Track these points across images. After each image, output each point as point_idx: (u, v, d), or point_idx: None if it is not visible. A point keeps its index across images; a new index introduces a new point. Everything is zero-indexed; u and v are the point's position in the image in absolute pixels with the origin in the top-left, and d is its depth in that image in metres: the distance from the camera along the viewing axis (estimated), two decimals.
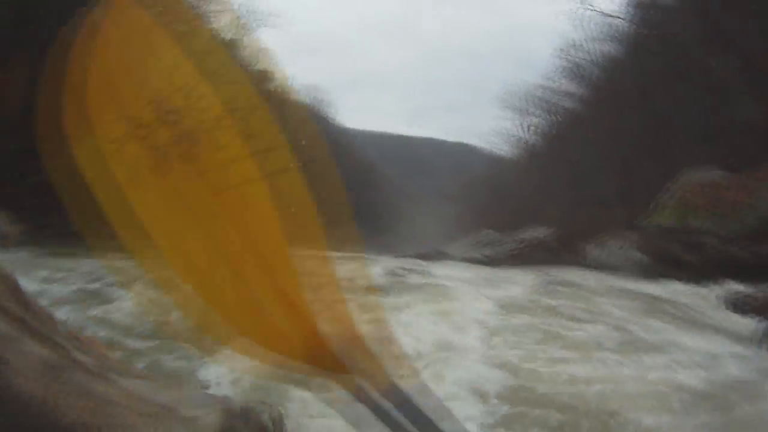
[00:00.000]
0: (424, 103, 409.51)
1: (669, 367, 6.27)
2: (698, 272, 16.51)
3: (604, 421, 4.88)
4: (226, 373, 4.96)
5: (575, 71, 46.83)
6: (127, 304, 7.03)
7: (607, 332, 7.92)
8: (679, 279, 15.64)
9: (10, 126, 21.49)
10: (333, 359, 1.06)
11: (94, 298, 8.17)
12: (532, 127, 57.82)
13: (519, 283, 14.29)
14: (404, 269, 16.36)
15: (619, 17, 39.13)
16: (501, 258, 28.30)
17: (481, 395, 5.26)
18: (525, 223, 39.29)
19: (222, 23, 39.39)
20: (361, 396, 1.04)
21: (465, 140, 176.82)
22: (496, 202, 62.83)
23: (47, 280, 9.27)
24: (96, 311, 7.57)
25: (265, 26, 54.37)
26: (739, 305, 11.53)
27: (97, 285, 8.59)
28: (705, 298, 12.70)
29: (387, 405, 1.02)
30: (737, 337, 8.35)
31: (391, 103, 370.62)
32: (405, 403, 1.03)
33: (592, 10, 38.56)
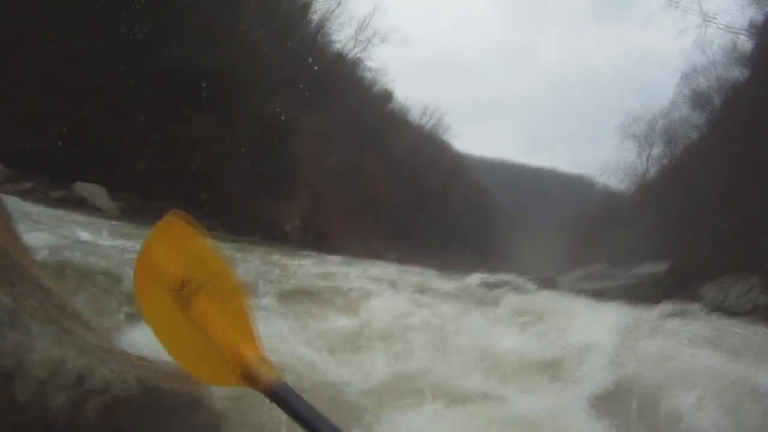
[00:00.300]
0: (543, 132, 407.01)
1: None
2: None
3: None
4: None
5: (698, 99, 46.02)
6: None
7: None
8: None
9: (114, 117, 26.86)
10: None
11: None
12: (652, 159, 59.11)
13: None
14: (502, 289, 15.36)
15: (742, 32, 38.47)
16: (610, 293, 26.40)
17: None
18: (638, 259, 40.91)
19: (345, 40, 43.18)
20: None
21: (583, 172, 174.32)
22: (609, 235, 61.98)
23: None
24: None
25: (388, 45, 57.96)
26: None
27: None
28: None
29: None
30: None
31: (511, 131, 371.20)
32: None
33: (715, 24, 38.65)
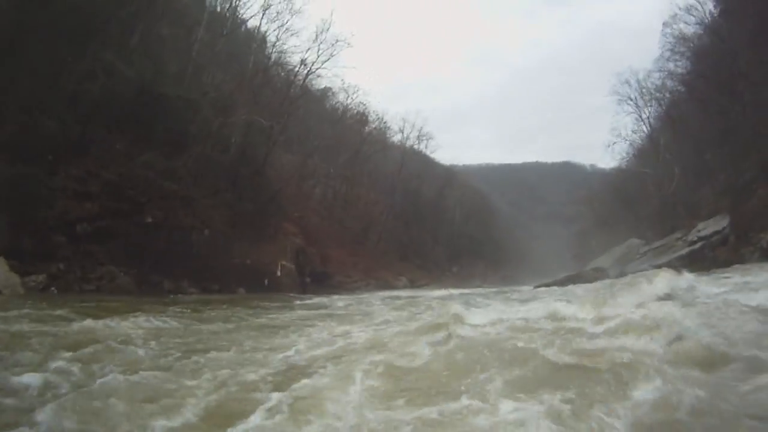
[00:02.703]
0: (520, 127, 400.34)
1: None
2: None
3: None
4: None
5: (684, 44, 42.47)
6: None
7: None
8: None
9: None
10: None
11: None
12: (651, 118, 52.48)
13: None
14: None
15: None
16: (677, 264, 23.23)
17: None
18: (669, 226, 37.85)
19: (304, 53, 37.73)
20: None
21: (567, 158, 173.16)
22: (623, 211, 57.58)
23: None
24: None
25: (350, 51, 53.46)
26: None
27: None
28: None
29: None
30: None
31: (488, 133, 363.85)
32: None
33: None
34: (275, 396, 4.86)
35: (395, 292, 34.44)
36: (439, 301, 18.66)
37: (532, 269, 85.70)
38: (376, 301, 21.37)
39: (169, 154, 23.73)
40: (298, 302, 20.54)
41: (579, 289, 20.52)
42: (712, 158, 37.25)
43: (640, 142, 56.84)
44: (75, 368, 5.87)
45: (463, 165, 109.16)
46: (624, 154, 62.47)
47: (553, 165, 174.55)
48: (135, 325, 9.30)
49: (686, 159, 41.14)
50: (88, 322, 9.03)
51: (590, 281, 27.21)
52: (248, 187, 30.96)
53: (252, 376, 5.82)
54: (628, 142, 57.85)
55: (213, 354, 7.09)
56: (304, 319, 12.51)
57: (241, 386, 5.42)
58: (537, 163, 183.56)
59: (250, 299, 20.16)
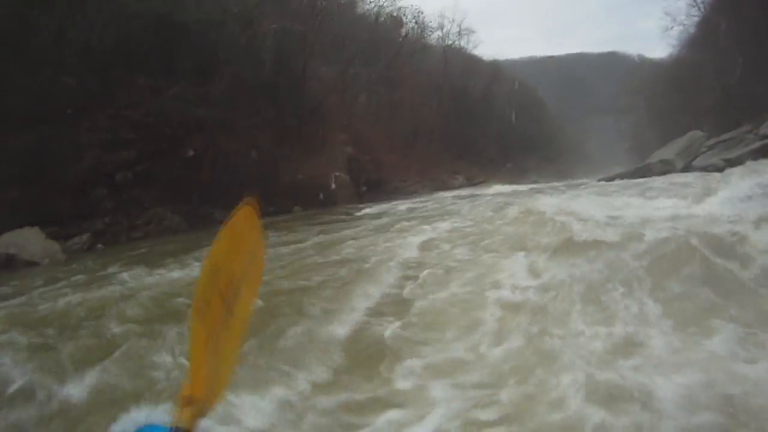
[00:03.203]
0: (562, 18, 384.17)
1: None
2: None
3: None
4: None
5: None
6: None
7: None
8: None
9: None
10: None
11: None
12: (703, 3, 48.35)
13: None
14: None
15: None
16: (749, 158, 22.19)
17: None
18: (733, 119, 35.57)
19: None
20: None
21: (612, 48, 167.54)
22: (680, 103, 53.55)
23: None
24: None
25: None
26: None
27: None
28: None
29: None
30: None
31: (529, 26, 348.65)
32: None
33: None
34: None
35: (455, 192, 33.10)
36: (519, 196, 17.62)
37: (586, 163, 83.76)
38: (448, 202, 20.18)
39: (199, 82, 22.02)
40: (366, 210, 19.51)
41: (657, 182, 19.71)
42: None
43: (694, 28, 52.48)
44: None
45: (505, 60, 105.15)
46: (676, 42, 59.48)
47: (599, 55, 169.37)
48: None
49: (747, 47, 37.81)
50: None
51: (659, 174, 27.34)
52: (289, 101, 29.07)
53: None
54: (682, 27, 54.06)
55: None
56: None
57: None
58: (581, 54, 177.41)
59: (311, 216, 19.01)
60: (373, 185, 32.89)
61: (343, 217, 17.52)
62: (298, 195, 24.07)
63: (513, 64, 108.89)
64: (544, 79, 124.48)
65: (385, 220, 12.53)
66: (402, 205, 20.27)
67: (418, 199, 25.80)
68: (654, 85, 67.12)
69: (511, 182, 47.64)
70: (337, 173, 28.47)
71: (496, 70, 74.14)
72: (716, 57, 41.50)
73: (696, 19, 50.58)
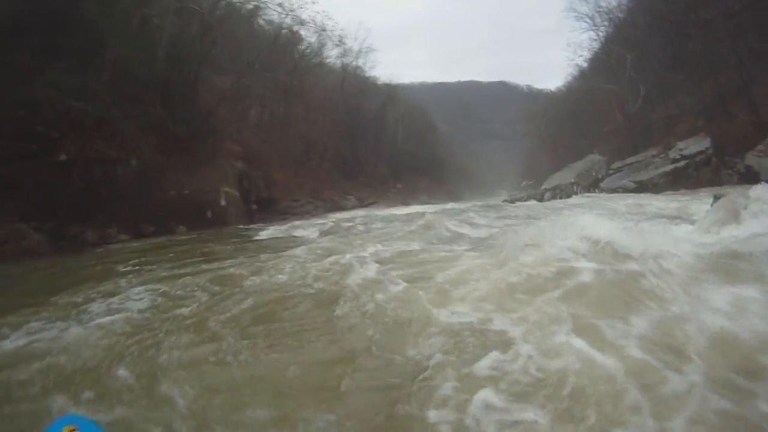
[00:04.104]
0: (456, 47, 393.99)
1: None
2: None
3: None
4: None
5: None
6: None
7: None
8: None
9: None
10: None
11: None
12: (601, 39, 51.93)
13: None
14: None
15: None
16: (659, 183, 25.61)
17: None
18: (632, 144, 38.39)
19: None
20: None
21: (503, 78, 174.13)
22: (574, 130, 57.38)
23: None
24: None
25: None
26: None
27: None
28: None
29: None
30: None
31: (424, 53, 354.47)
32: None
33: None
34: None
35: (349, 213, 31.59)
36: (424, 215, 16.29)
37: (475, 186, 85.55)
38: (356, 224, 18.45)
39: (79, 68, 18.73)
40: (264, 234, 17.21)
41: (580, 199, 20.16)
42: (669, 80, 38.84)
43: (590, 61, 56.44)
44: None
45: (398, 84, 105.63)
46: (577, 73, 63.41)
47: (489, 84, 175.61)
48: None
49: (646, 79, 41.58)
50: None
51: (569, 195, 27.80)
52: (180, 105, 26.00)
53: None
54: (582, 58, 58.16)
55: None
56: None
57: None
58: (473, 82, 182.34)
59: (199, 239, 16.38)
60: (264, 204, 30.54)
61: (238, 243, 14.89)
62: (183, 212, 20.96)
63: (406, 88, 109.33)
64: (435, 105, 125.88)
65: (297, 252, 10.07)
66: (302, 229, 18.07)
67: (317, 221, 23.64)
68: (548, 112, 70.88)
69: (405, 203, 47.11)
70: (227, 189, 25.76)
71: (390, 91, 73.22)
72: (619, 86, 44.38)
73: (591, 52, 54.36)
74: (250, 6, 44.11)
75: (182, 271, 9.01)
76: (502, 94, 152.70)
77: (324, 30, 52.29)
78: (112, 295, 7.09)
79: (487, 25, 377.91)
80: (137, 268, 9.91)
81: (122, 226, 17.73)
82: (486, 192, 76.46)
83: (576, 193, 27.81)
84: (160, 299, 6.76)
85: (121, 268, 9.93)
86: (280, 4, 42.72)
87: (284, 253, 9.68)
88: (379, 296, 5.68)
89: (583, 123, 54.54)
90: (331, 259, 7.99)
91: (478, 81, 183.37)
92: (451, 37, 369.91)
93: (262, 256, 9.88)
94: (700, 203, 15.03)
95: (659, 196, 22.67)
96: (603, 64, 49.71)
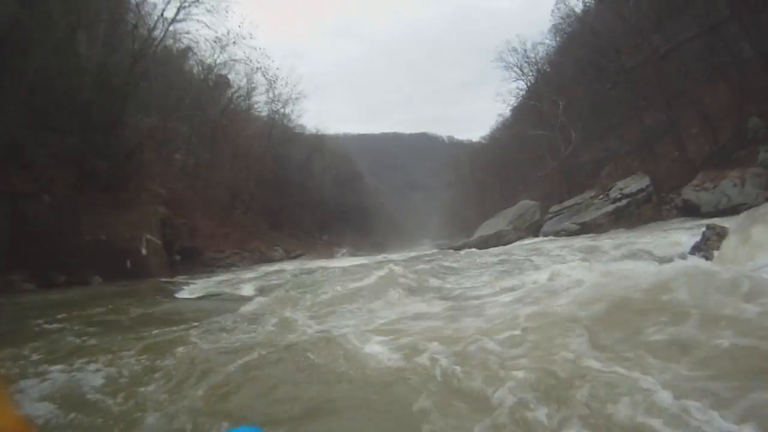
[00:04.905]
0: (379, 100, 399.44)
1: None
2: None
3: None
4: None
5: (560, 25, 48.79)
6: None
7: None
8: None
9: None
10: None
11: None
12: (530, 85, 53.51)
13: None
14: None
15: None
16: (602, 223, 25.80)
17: None
18: (565, 188, 39.05)
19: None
20: None
21: (425, 130, 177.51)
22: (500, 178, 58.11)
23: None
24: None
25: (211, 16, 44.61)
26: None
27: None
28: None
29: None
30: None
31: (347, 105, 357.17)
32: None
33: None
34: None
35: (277, 265, 29.16)
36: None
37: (400, 236, 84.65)
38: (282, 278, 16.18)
39: None
40: (189, 290, 14.55)
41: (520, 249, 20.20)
42: (594, 125, 40.30)
43: (521, 108, 56.59)
44: None
45: (323, 134, 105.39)
46: (502, 120, 65.29)
47: (412, 135, 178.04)
48: None
49: (576, 124, 42.21)
50: None
51: (510, 241, 28.19)
52: (102, 137, 23.01)
53: None
54: (509, 107, 59.59)
55: None
56: None
57: None
58: (396, 133, 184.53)
59: (116, 294, 13.59)
60: (188, 254, 27.95)
61: (167, 302, 12.29)
62: (100, 260, 17.95)
63: (331, 138, 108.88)
64: (359, 155, 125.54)
65: (225, 321, 7.52)
66: (232, 285, 15.61)
67: (246, 274, 20.94)
68: (474, 161, 70.99)
69: (330, 255, 45.39)
70: (149, 236, 22.91)
71: (318, 141, 71.87)
72: (550, 132, 45.14)
73: (524, 99, 54.66)
74: (182, 45, 42.07)
75: (99, 342, 6.69)
76: (424, 144, 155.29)
77: (259, 68, 50.44)
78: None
79: (411, 78, 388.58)
80: (43, 328, 7.66)
81: (29, 273, 15.10)
82: (411, 242, 75.44)
83: (518, 239, 27.00)
84: (75, 383, 4.65)
85: (22, 332, 7.60)
86: (217, 39, 40.72)
87: (230, 325, 7.45)
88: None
89: (512, 170, 55.14)
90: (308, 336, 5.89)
91: (401, 132, 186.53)
92: (373, 90, 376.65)
93: (196, 323, 7.66)
94: (666, 238, 15.13)
95: (610, 235, 22.51)
96: (530, 111, 50.47)
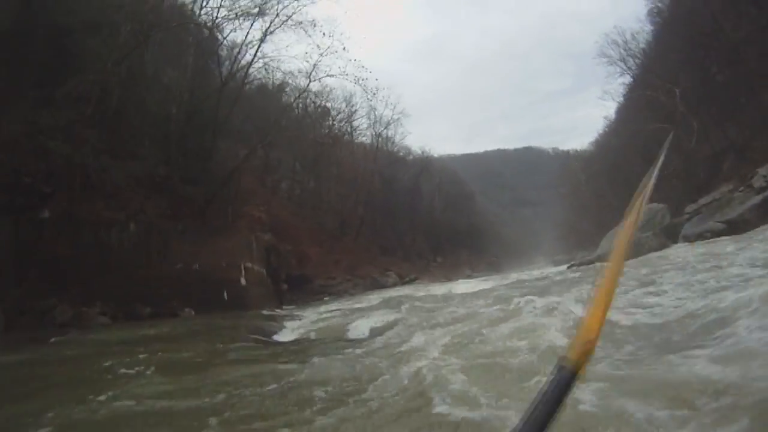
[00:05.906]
0: (478, 117, 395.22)
1: None
2: None
3: None
4: None
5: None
6: None
7: None
8: None
9: None
10: None
11: None
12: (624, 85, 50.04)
13: None
14: None
15: None
16: (752, 215, 21.98)
17: None
18: (693, 185, 34.96)
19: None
20: None
21: (529, 144, 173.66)
22: (615, 184, 51.94)
23: None
24: None
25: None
26: None
27: None
28: None
29: None
30: None
31: (446, 126, 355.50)
32: None
33: None
34: None
35: (392, 291, 26.65)
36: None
37: (512, 255, 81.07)
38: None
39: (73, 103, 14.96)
40: (296, 329, 11.74)
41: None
42: (707, 114, 36.69)
43: (627, 106, 52.88)
44: None
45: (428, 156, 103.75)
46: (600, 128, 62.20)
47: (516, 151, 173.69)
48: None
49: (694, 113, 37.87)
50: None
51: (652, 249, 23.15)
52: (196, 162, 21.75)
53: None
54: (615, 106, 55.66)
55: None
56: None
57: None
58: (498, 150, 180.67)
59: (206, 331, 10.78)
60: (296, 282, 26.39)
61: (246, 348, 8.69)
62: (191, 291, 16.23)
63: (436, 160, 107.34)
64: (465, 175, 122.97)
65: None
66: (342, 314, 12.98)
67: (356, 304, 18.19)
68: (586, 169, 65.88)
69: (447, 278, 42.50)
70: (249, 264, 20.75)
71: (425, 162, 69.61)
72: (671, 124, 39.07)
73: (629, 95, 50.69)
74: (278, 79, 40.61)
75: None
76: (529, 159, 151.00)
77: (357, 79, 48.26)
78: None
79: (507, 93, 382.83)
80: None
81: (109, 305, 13.34)
82: (526, 261, 71.74)
83: (660, 247, 23.26)
84: None
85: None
86: (307, 54, 38.33)
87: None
88: None
89: (628, 172, 50.57)
90: None
91: (504, 149, 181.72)
92: (470, 109, 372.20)
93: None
94: None
95: None
96: (641, 107, 46.00)
